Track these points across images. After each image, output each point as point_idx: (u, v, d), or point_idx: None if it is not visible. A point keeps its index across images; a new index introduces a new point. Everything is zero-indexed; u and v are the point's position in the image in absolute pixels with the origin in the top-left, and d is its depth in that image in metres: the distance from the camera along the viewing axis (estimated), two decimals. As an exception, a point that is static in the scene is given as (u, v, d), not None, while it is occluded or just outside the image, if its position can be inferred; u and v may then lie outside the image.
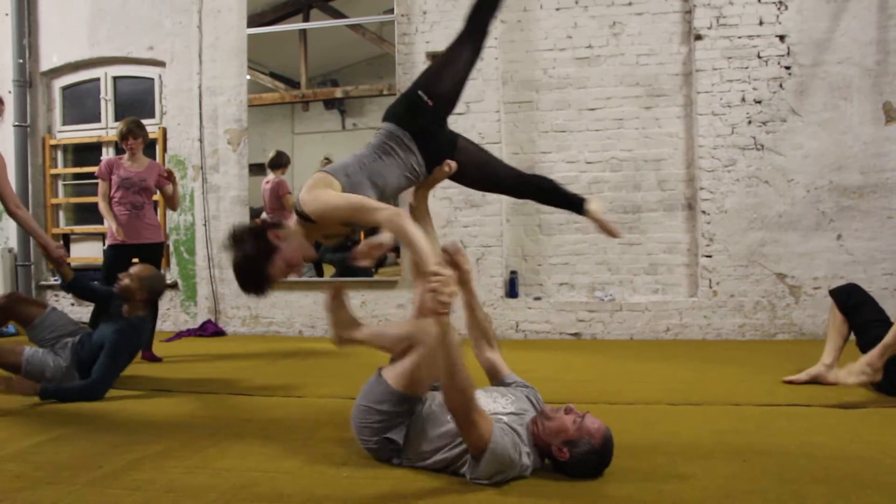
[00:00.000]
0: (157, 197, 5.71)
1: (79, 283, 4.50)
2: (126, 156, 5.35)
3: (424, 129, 2.90)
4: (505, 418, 2.46)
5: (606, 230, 3.30)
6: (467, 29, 3.11)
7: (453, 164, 2.96)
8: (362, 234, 6.77)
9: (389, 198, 2.87)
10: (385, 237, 2.95)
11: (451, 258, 2.83)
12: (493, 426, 2.33)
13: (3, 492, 2.36)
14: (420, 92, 2.91)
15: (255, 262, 2.60)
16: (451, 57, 3.05)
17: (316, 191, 2.62)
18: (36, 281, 7.74)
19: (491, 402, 2.57)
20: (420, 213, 3.05)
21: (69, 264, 4.61)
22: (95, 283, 4.78)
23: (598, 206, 3.23)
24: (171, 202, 5.55)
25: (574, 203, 3.24)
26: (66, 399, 3.84)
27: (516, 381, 2.88)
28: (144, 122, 5.58)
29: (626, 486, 2.33)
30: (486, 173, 3.13)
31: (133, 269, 4.27)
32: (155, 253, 5.39)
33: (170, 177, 5.35)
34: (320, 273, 7.05)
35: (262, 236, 2.62)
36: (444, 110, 3.03)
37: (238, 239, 2.64)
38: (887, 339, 3.42)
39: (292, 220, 2.73)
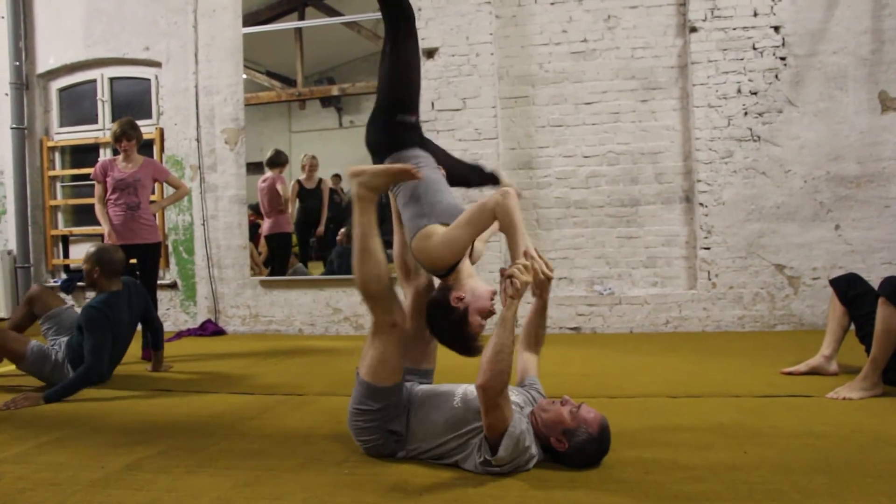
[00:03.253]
0: (154, 197, 5.73)
1: None
2: (121, 157, 5.36)
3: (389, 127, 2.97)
4: (514, 408, 2.49)
5: None
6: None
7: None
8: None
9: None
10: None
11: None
12: (513, 412, 2.38)
13: (6, 493, 2.37)
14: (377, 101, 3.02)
15: (458, 330, 2.55)
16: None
17: (425, 245, 2.63)
18: (36, 282, 7.74)
19: None
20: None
21: None
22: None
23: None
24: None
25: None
26: (71, 394, 3.93)
27: (532, 382, 2.90)
28: (141, 122, 5.60)
29: (626, 478, 2.33)
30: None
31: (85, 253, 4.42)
32: (152, 252, 5.39)
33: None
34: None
35: (448, 305, 2.56)
36: (401, 103, 3.04)
37: (435, 318, 2.62)
38: (874, 352, 3.42)
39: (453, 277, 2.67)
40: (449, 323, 2.56)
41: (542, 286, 2.68)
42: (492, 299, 2.57)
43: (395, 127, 2.93)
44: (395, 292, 2.63)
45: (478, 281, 2.64)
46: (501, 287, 2.36)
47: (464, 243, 2.57)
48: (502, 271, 2.38)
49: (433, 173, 2.83)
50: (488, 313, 2.56)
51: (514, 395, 2.63)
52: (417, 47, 3.01)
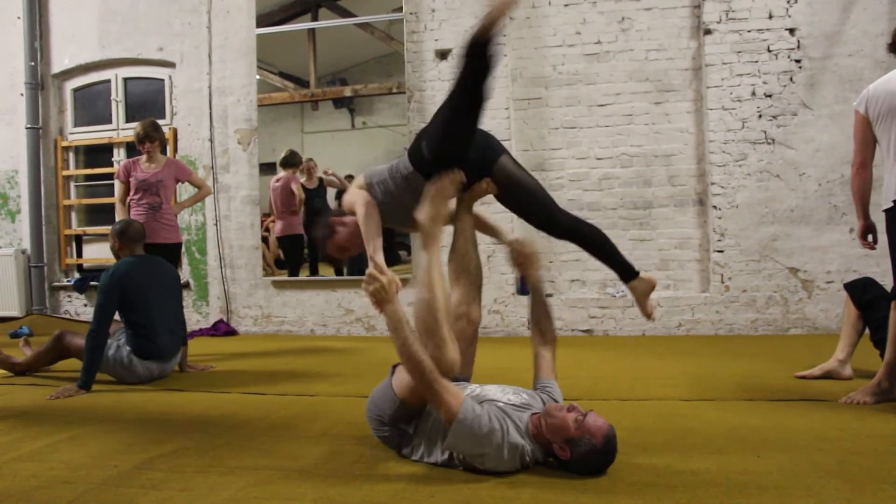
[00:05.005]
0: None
1: None
2: (144, 157, 5.39)
3: (429, 169, 2.90)
4: (500, 404, 2.49)
5: (643, 311, 3.16)
6: (458, 83, 2.84)
7: (493, 186, 3.05)
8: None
9: (398, 211, 3.05)
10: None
11: (521, 250, 3.16)
12: (463, 400, 2.36)
13: (20, 490, 2.38)
14: (424, 144, 2.94)
15: (320, 242, 3.20)
16: (442, 121, 2.93)
17: (350, 188, 3.10)
18: (49, 282, 7.80)
19: (500, 393, 2.58)
20: (463, 223, 3.13)
21: None
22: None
23: (644, 286, 3.11)
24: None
25: (622, 272, 3.14)
26: (95, 364, 4.17)
27: (544, 384, 2.87)
28: (154, 122, 5.61)
29: (639, 481, 2.32)
30: (518, 202, 3.15)
31: None
32: (173, 252, 5.40)
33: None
34: (339, 272, 7.08)
35: (329, 220, 3.18)
36: (448, 160, 2.88)
37: (321, 220, 3.24)
38: (888, 356, 3.38)
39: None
40: (319, 230, 3.19)
41: (526, 261, 3.15)
42: (359, 251, 3.08)
43: (416, 148, 3.01)
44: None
45: (376, 240, 2.93)
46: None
47: (351, 203, 3.04)
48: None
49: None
50: (341, 253, 3.20)
51: (520, 397, 2.61)
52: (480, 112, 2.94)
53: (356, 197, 2.98)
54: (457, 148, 2.91)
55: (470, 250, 3.03)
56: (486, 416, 2.35)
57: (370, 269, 2.52)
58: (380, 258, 2.67)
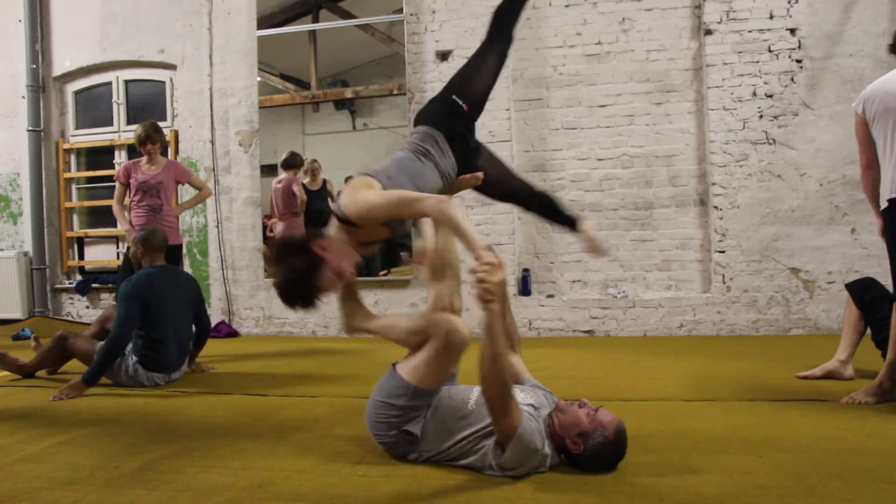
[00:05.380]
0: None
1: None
2: (144, 158, 5.40)
3: (458, 132, 2.93)
4: (526, 408, 2.48)
5: (597, 248, 3.41)
6: (490, 36, 3.16)
7: (481, 175, 3.03)
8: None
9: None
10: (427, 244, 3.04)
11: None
12: (522, 413, 2.36)
13: (23, 492, 2.39)
14: (454, 96, 2.95)
15: (305, 277, 2.50)
16: (478, 63, 3.10)
17: (357, 193, 2.56)
18: (51, 284, 7.80)
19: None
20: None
21: None
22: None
23: (589, 225, 3.36)
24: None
25: (571, 224, 3.37)
26: (106, 367, 4.18)
27: (535, 383, 2.89)
28: (155, 125, 5.62)
29: (641, 482, 2.32)
30: (503, 184, 3.25)
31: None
32: (174, 254, 5.42)
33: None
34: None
35: (308, 249, 2.52)
36: (476, 116, 3.10)
37: (284, 255, 2.56)
38: (889, 357, 3.38)
39: (332, 228, 2.67)
40: (299, 264, 2.50)
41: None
42: (352, 269, 2.59)
43: (445, 105, 3.00)
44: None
45: (355, 252, 2.65)
46: (474, 294, 2.19)
47: (378, 215, 2.54)
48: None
49: (418, 163, 2.85)
50: (339, 280, 2.57)
51: (528, 395, 2.63)
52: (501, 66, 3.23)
53: (400, 197, 2.50)
54: (488, 85, 3.10)
55: (450, 243, 2.97)
56: (537, 431, 2.38)
57: (491, 257, 2.16)
58: (493, 249, 2.25)
